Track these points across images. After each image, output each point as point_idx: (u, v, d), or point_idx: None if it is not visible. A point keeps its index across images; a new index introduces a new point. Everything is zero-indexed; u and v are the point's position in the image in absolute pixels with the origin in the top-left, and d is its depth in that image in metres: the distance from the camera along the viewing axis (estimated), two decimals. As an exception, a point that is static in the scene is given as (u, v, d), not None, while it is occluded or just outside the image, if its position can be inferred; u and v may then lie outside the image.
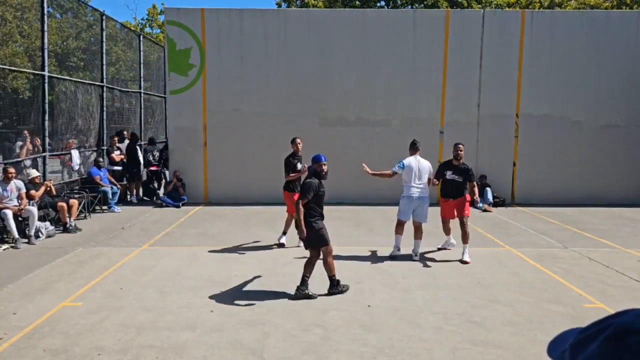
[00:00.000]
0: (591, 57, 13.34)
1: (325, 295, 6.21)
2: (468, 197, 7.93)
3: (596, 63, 13.37)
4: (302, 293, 6.11)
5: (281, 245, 8.63)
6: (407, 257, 7.95)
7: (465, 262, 7.64)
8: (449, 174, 7.90)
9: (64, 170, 12.09)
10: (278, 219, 10.88)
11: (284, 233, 8.73)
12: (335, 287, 6.28)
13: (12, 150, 10.38)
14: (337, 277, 6.36)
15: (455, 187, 7.91)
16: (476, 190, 8.14)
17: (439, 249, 8.47)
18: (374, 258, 8.01)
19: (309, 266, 6.24)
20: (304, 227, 6.21)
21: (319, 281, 6.85)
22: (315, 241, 6.24)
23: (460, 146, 8.02)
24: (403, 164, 7.93)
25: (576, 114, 13.46)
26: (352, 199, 12.97)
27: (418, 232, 7.94)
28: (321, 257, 6.33)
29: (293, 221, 8.36)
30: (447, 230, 8.40)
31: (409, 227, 8.07)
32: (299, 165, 8.40)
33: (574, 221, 11.14)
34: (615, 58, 13.34)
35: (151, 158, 14.18)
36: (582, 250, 8.58)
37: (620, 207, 12.82)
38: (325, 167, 6.52)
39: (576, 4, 29.09)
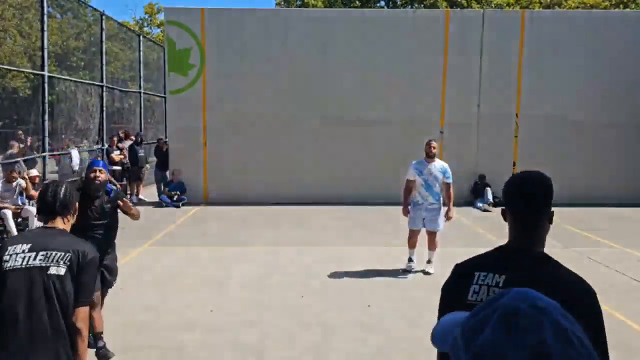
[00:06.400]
0: (591, 57, 13.32)
1: None
2: None
3: (596, 63, 13.35)
4: None
5: None
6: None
7: None
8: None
9: (59, 171, 12.06)
10: (278, 218, 10.89)
11: None
12: None
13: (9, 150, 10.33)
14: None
15: None
16: None
17: None
18: (374, 258, 8.00)
19: None
20: None
21: (320, 284, 6.84)
22: None
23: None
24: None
25: (576, 114, 13.45)
26: (352, 199, 12.96)
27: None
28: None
29: None
30: None
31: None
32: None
33: (574, 221, 11.13)
34: (615, 58, 13.32)
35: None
36: (582, 250, 8.58)
37: (620, 207, 12.81)
38: None
39: (575, 3, 29.09)
